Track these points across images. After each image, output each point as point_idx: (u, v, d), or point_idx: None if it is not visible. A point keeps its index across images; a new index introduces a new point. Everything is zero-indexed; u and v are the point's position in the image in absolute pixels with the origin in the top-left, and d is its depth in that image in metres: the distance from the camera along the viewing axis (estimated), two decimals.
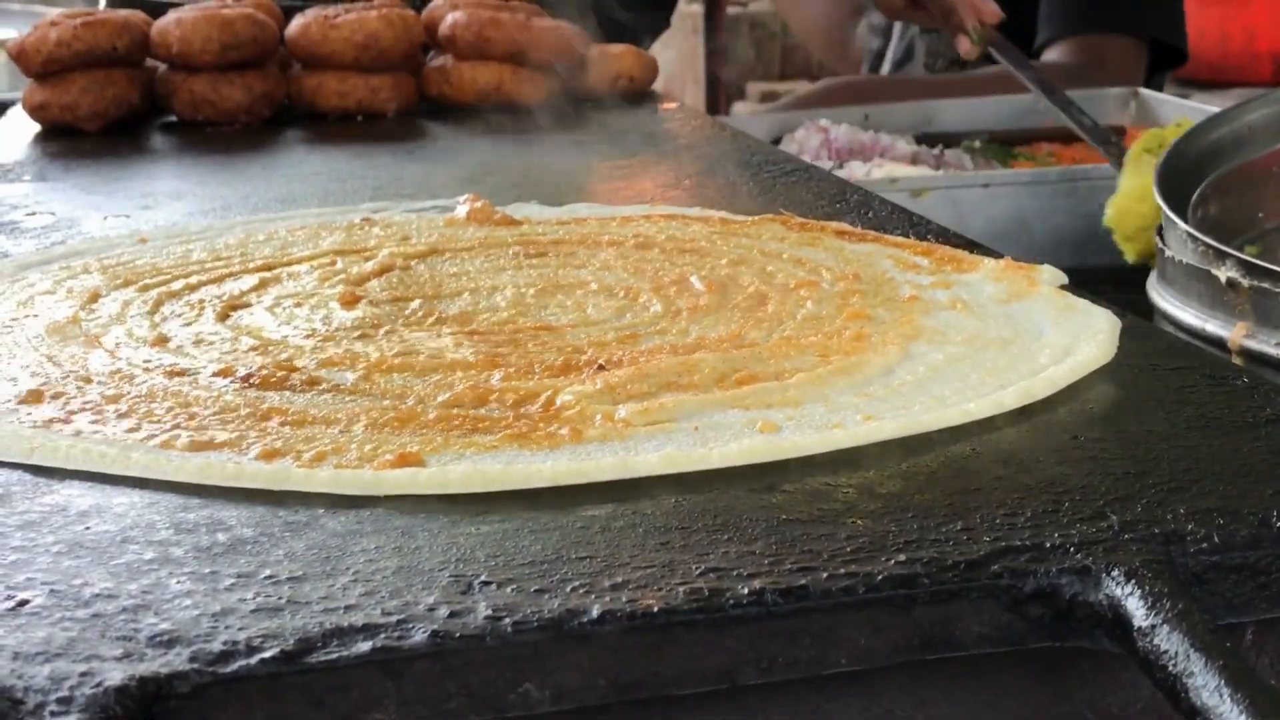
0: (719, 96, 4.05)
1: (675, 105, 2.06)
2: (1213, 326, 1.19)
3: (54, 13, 1.96)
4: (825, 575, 0.66)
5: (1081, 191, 1.85)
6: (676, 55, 5.62)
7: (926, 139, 2.22)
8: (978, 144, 2.19)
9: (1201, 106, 2.12)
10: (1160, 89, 2.55)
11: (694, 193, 1.48)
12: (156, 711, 0.59)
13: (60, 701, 0.58)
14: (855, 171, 1.95)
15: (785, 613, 0.64)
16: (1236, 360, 1.16)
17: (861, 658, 0.65)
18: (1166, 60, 2.47)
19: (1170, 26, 2.43)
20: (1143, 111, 2.27)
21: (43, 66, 1.85)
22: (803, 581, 0.65)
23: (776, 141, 2.09)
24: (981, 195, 1.85)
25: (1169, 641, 0.61)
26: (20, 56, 1.86)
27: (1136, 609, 0.63)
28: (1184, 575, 0.66)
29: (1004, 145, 2.20)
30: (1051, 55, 2.40)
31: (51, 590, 0.67)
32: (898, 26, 2.66)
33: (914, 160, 2.10)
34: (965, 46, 1.51)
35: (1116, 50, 2.37)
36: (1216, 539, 0.69)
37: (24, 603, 0.66)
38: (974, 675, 0.68)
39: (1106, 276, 1.40)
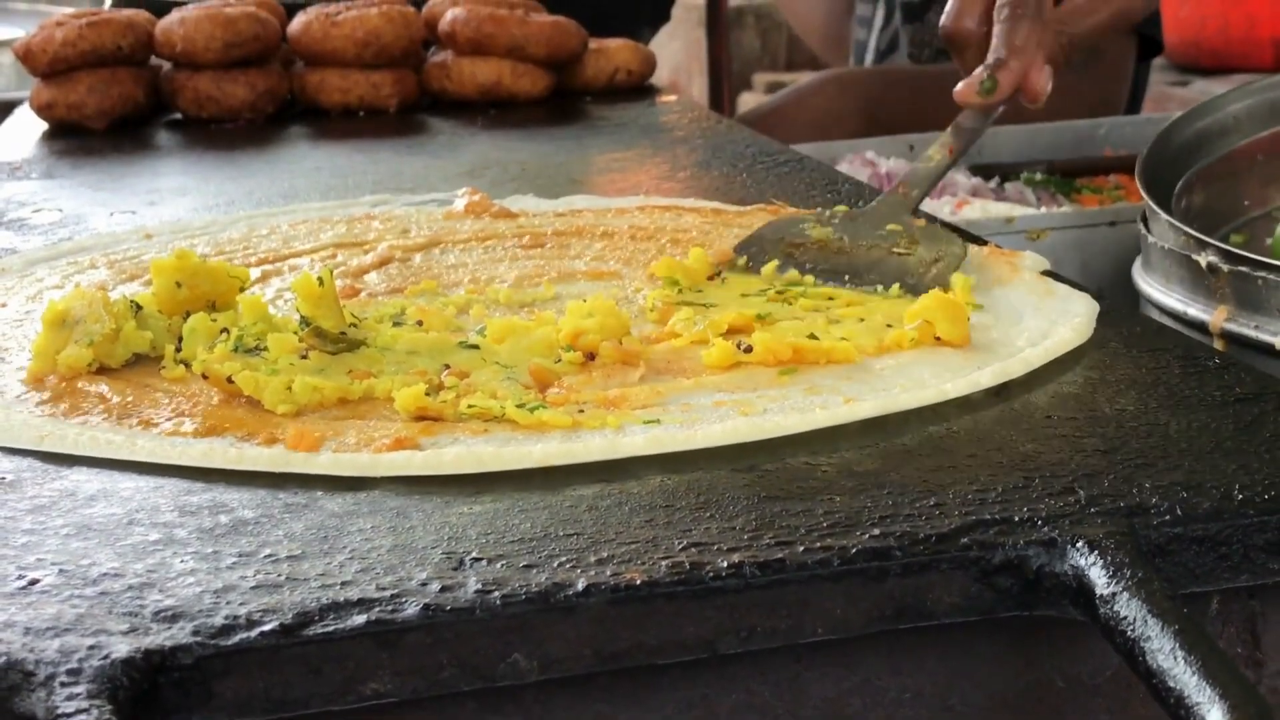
0: (723, 87, 4.07)
1: (673, 98, 2.08)
2: (1195, 310, 1.21)
3: (59, 13, 1.99)
4: (802, 549, 0.69)
5: None
6: (682, 47, 5.64)
7: (981, 170, 2.07)
8: (1038, 176, 2.04)
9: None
10: (1145, 78, 2.56)
11: (689, 184, 1.51)
12: (161, 682, 0.62)
13: (70, 673, 0.61)
14: (936, 210, 1.75)
15: (763, 584, 0.67)
16: (1218, 343, 1.18)
17: (837, 627, 0.68)
18: (1145, 50, 2.49)
19: (1149, 19, 2.45)
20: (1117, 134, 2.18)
21: (49, 66, 1.88)
22: (780, 555, 0.68)
23: None
24: (1107, 234, 1.66)
25: (1128, 608, 0.63)
26: (27, 56, 1.89)
27: (1099, 578, 0.66)
28: (1146, 547, 0.69)
29: (1065, 177, 2.05)
30: None
31: (60, 570, 0.70)
32: (879, 17, 2.68)
33: (973, 194, 1.96)
34: (966, 93, 1.28)
35: (1107, 41, 2.39)
36: (1179, 511, 0.71)
37: (34, 581, 0.69)
38: (947, 644, 0.71)
39: None
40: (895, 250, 1.15)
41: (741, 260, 1.15)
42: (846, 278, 1.11)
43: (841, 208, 1.23)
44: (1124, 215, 1.65)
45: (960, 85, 1.28)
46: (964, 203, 1.82)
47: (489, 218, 1.33)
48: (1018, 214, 1.71)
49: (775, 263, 1.13)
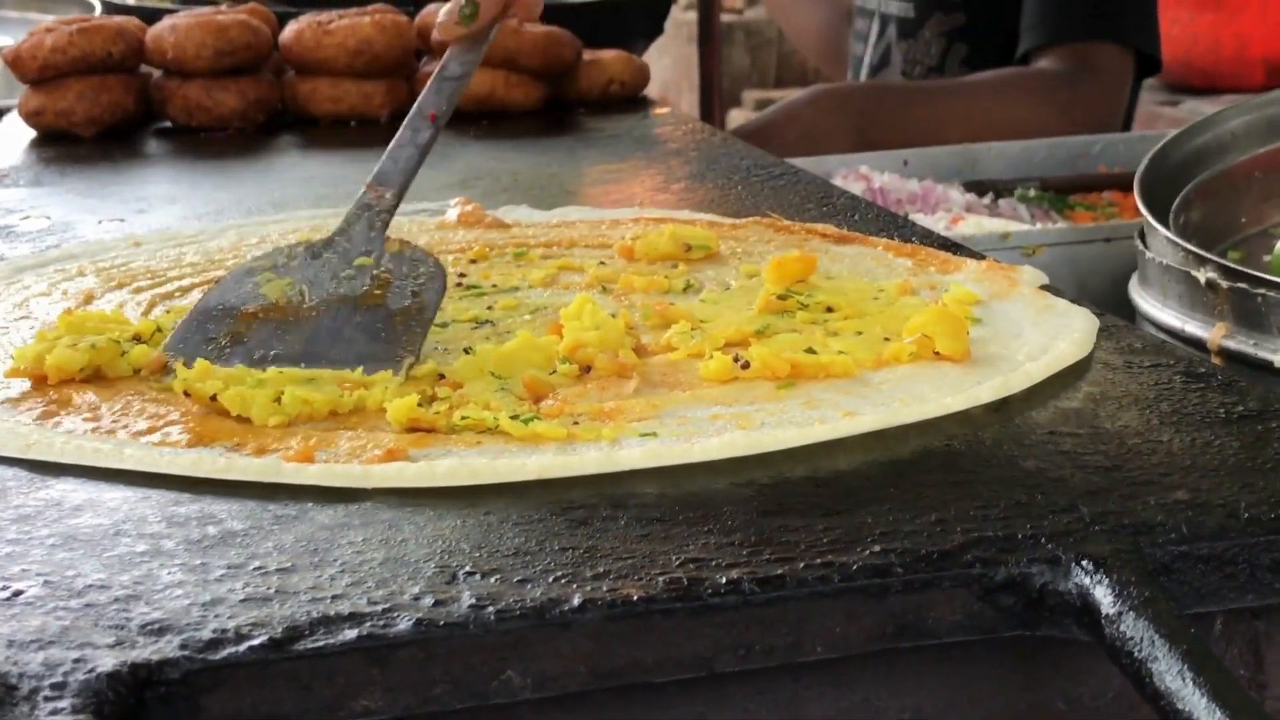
0: (713, 103, 4.06)
1: (666, 110, 2.07)
2: (1192, 327, 1.21)
3: (49, 19, 1.97)
4: (802, 565, 0.68)
5: None
6: (672, 62, 5.64)
7: (975, 186, 2.04)
8: (1032, 192, 2.03)
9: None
10: (1136, 96, 2.55)
11: (683, 196, 1.50)
12: (148, 697, 0.61)
13: (54, 687, 0.60)
14: (931, 226, 1.67)
15: (762, 601, 0.66)
16: (1215, 360, 1.17)
17: (837, 645, 0.67)
18: (1142, 69, 2.49)
19: (1149, 36, 2.45)
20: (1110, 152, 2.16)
21: (38, 73, 1.86)
22: (779, 571, 0.67)
23: None
24: (1104, 251, 1.64)
25: (1134, 628, 0.62)
26: (16, 63, 1.87)
27: (1104, 597, 0.65)
28: (1152, 565, 0.68)
29: (1058, 194, 2.02)
30: (1042, 62, 2.41)
31: (45, 581, 0.68)
32: (874, 32, 2.67)
33: (968, 210, 1.93)
34: (447, 26, 1.14)
35: (1106, 57, 2.38)
36: (1184, 530, 0.70)
37: (18, 593, 0.67)
38: (948, 664, 0.70)
39: None
40: (361, 301, 0.98)
41: (178, 363, 0.92)
42: (303, 363, 0.92)
43: (304, 237, 1.07)
44: (1120, 232, 1.64)
45: (440, 17, 1.14)
46: (959, 219, 1.81)
47: (482, 228, 1.32)
48: (1013, 230, 1.70)
49: (203, 363, 0.90)
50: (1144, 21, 2.43)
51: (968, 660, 0.70)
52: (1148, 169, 1.38)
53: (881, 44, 2.65)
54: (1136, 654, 0.61)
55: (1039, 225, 1.86)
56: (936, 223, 1.77)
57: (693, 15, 4.19)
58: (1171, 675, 0.59)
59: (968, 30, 2.53)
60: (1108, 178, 2.07)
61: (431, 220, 1.35)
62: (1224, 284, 1.17)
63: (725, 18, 5.75)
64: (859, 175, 1.99)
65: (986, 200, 1.99)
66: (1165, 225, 1.28)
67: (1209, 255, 1.19)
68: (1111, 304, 1.36)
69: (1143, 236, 1.33)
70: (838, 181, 1.94)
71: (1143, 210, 1.30)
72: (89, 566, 0.70)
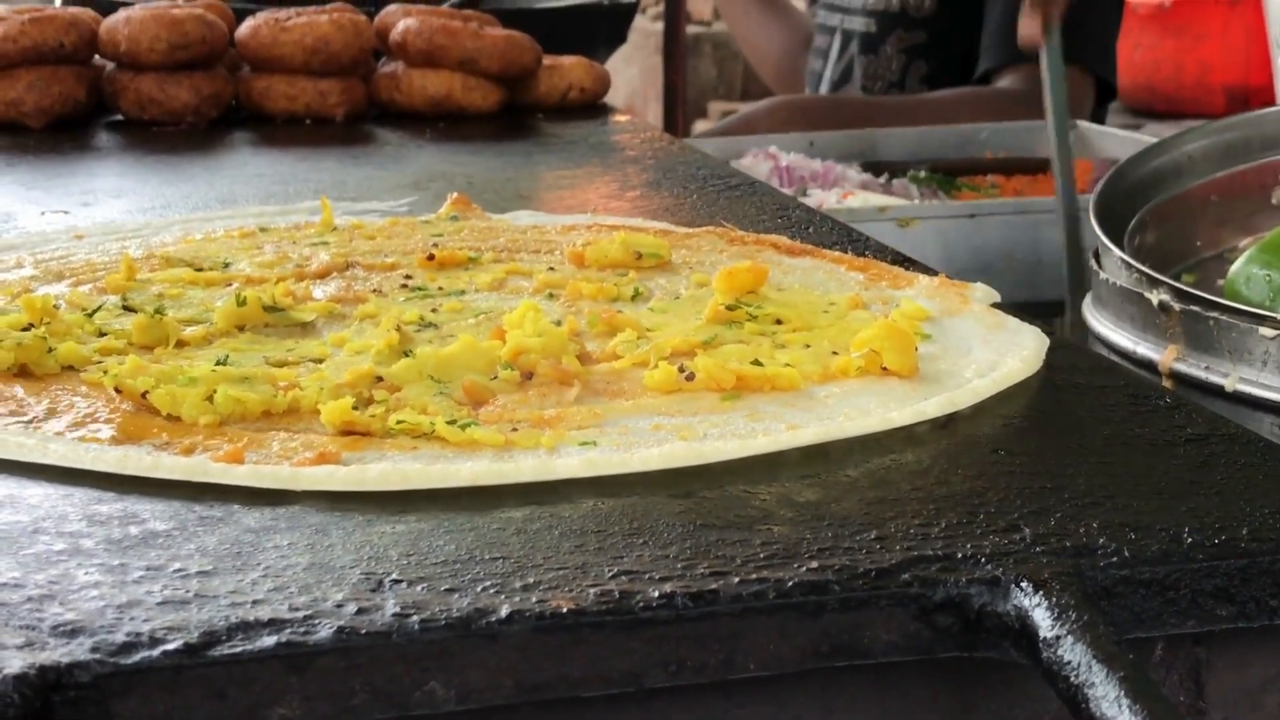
0: (678, 114, 4.05)
1: (626, 118, 2.06)
2: (1144, 349, 1.20)
3: (1, 8, 1.95)
4: (737, 580, 0.66)
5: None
6: (639, 73, 5.63)
7: (871, 167, 2.24)
8: (923, 174, 2.20)
9: (1138, 136, 2.15)
10: (1103, 122, 2.57)
11: (638, 204, 1.49)
12: (56, 701, 0.59)
13: None
14: (824, 200, 1.96)
15: (694, 616, 0.64)
16: (1167, 383, 1.16)
17: (770, 663, 0.65)
18: (1100, 94, 2.50)
19: (1106, 62, 2.45)
20: (1082, 144, 2.28)
21: None
22: (714, 586, 0.66)
23: None
24: (968, 225, 1.87)
25: (1072, 652, 0.61)
26: None
27: (1043, 620, 0.63)
28: (1093, 588, 0.67)
29: (947, 175, 2.22)
30: (1002, 82, 2.41)
31: None
32: (835, 48, 2.67)
33: (863, 188, 2.11)
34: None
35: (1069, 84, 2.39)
36: (1126, 553, 0.69)
37: None
38: (883, 685, 0.68)
39: None
40: None
41: None
42: None
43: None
44: (983, 210, 1.88)
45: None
46: (849, 194, 1.99)
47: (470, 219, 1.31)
48: (890, 204, 1.91)
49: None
50: (1103, 48, 2.44)
51: (903, 681, 0.69)
52: (1104, 190, 1.37)
53: (843, 60, 2.65)
54: (1074, 678, 0.60)
55: (925, 203, 2.04)
56: (830, 197, 1.95)
57: (661, 26, 4.18)
58: (1108, 701, 0.58)
59: (928, 48, 2.54)
60: (992, 161, 2.27)
61: (381, 220, 1.33)
62: (1176, 306, 1.16)
63: (693, 29, 5.75)
64: (768, 154, 2.07)
65: (882, 180, 2.16)
66: (1120, 247, 1.27)
67: (1162, 277, 1.19)
68: (971, 274, 1.37)
69: (1097, 257, 1.33)
70: (747, 160, 2.09)
71: (1097, 231, 1.29)
72: (3, 565, 0.68)
